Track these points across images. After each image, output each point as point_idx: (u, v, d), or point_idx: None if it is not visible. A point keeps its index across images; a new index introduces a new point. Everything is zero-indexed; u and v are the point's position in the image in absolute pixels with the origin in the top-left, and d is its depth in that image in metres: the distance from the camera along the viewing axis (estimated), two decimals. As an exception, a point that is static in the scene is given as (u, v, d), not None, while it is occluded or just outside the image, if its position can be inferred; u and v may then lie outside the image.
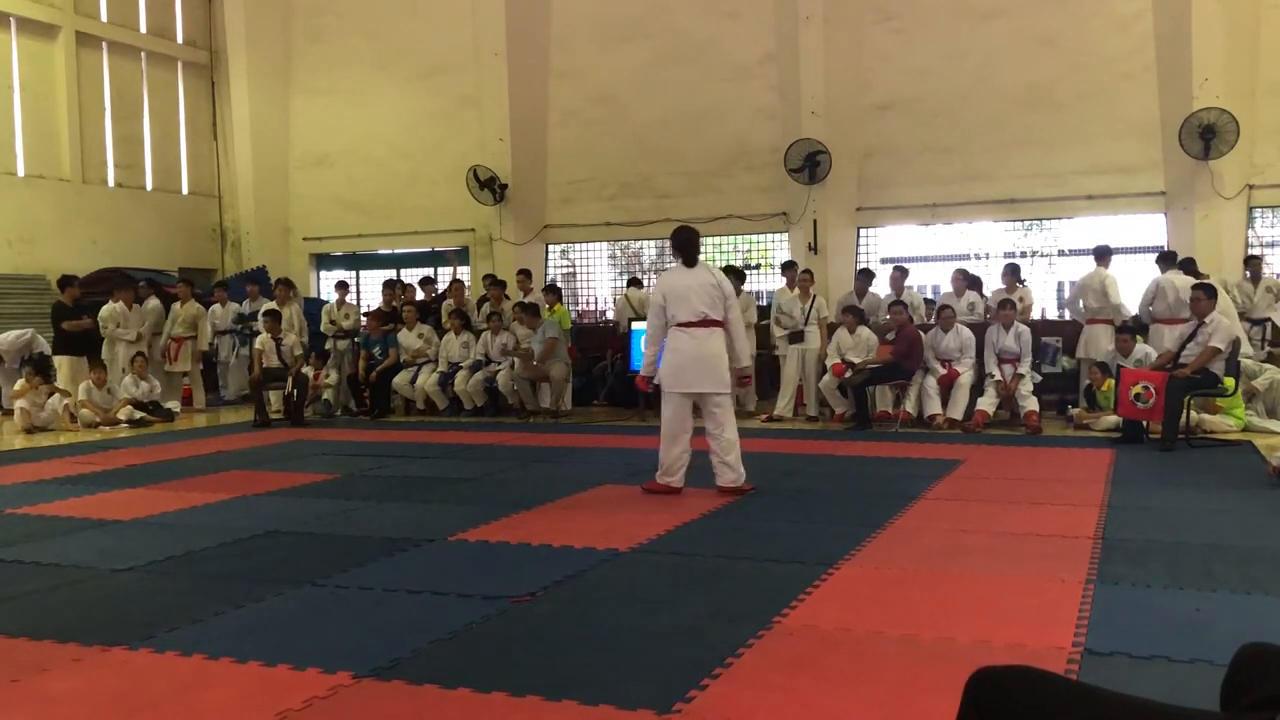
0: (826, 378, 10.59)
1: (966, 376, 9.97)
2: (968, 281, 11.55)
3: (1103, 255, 10.61)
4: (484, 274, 13.97)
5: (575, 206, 15.35)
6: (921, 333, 10.42)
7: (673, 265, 6.72)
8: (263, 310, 12.15)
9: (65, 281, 12.36)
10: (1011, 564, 4.58)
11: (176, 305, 13.17)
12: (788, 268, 11.70)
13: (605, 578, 4.53)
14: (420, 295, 13.77)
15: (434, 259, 16.93)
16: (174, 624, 3.85)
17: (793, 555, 4.79)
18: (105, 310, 12.21)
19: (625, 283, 14.39)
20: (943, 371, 9.98)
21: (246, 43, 16.72)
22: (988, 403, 9.83)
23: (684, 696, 3.02)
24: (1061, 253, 19.12)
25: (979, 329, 10.31)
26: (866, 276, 11.97)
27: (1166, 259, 10.29)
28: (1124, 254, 12.14)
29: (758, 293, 14.43)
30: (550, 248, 16.19)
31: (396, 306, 12.83)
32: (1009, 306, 10.01)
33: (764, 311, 12.30)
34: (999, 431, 9.60)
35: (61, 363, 12.10)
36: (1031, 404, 9.69)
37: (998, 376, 9.84)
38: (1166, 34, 12.45)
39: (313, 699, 3.08)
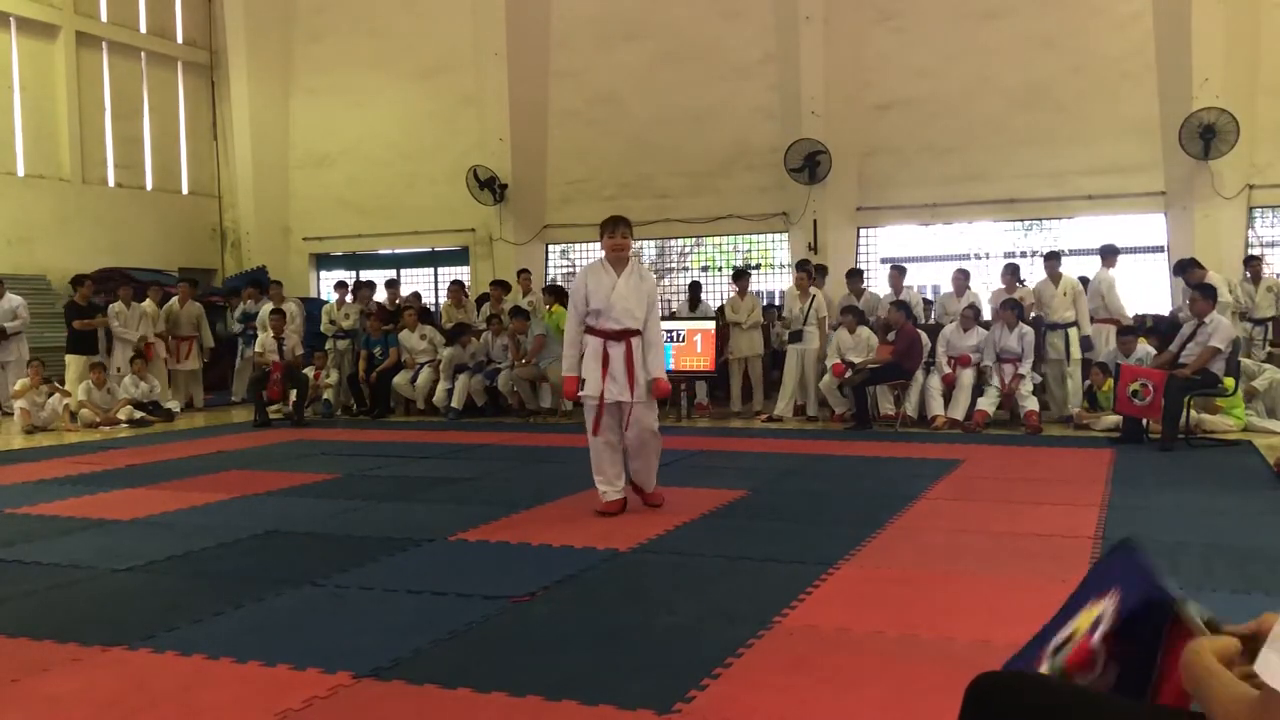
0: (826, 378, 10.59)
1: (967, 376, 9.97)
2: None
3: (1106, 255, 10.65)
4: (493, 278, 13.91)
5: (575, 206, 15.34)
6: (924, 333, 10.44)
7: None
8: (269, 310, 12.19)
9: (78, 281, 12.41)
10: (1011, 564, 4.58)
11: (174, 304, 13.25)
12: (801, 266, 11.57)
13: (605, 578, 4.53)
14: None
15: (434, 259, 16.95)
16: (174, 624, 3.85)
17: (793, 555, 4.79)
18: (113, 308, 12.34)
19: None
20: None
21: (246, 43, 16.72)
22: (988, 403, 9.83)
23: (684, 696, 3.02)
24: (1062, 253, 19.08)
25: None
26: (858, 276, 11.89)
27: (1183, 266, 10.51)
28: (1124, 254, 12.13)
29: (758, 292, 14.44)
30: (550, 248, 16.19)
31: (390, 309, 12.93)
32: (1012, 307, 10.00)
33: (767, 312, 12.35)
34: (999, 431, 9.60)
35: (71, 362, 12.13)
36: (1031, 404, 9.69)
37: (997, 377, 9.85)
38: (1166, 34, 12.44)
39: (313, 699, 3.08)
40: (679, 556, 4.88)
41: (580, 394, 6.00)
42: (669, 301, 16.13)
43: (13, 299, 12.44)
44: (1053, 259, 10.66)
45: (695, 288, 12.83)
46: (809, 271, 11.30)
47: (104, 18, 15.72)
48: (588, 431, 5.97)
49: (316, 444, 9.65)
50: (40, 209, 14.65)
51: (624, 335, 5.83)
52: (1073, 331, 10.22)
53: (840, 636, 3.60)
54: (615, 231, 5.87)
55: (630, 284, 5.86)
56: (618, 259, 5.89)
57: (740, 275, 11.89)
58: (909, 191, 13.69)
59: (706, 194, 14.57)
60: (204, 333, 13.58)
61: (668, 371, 11.48)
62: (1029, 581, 4.27)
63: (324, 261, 17.69)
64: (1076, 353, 10.18)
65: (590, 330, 5.92)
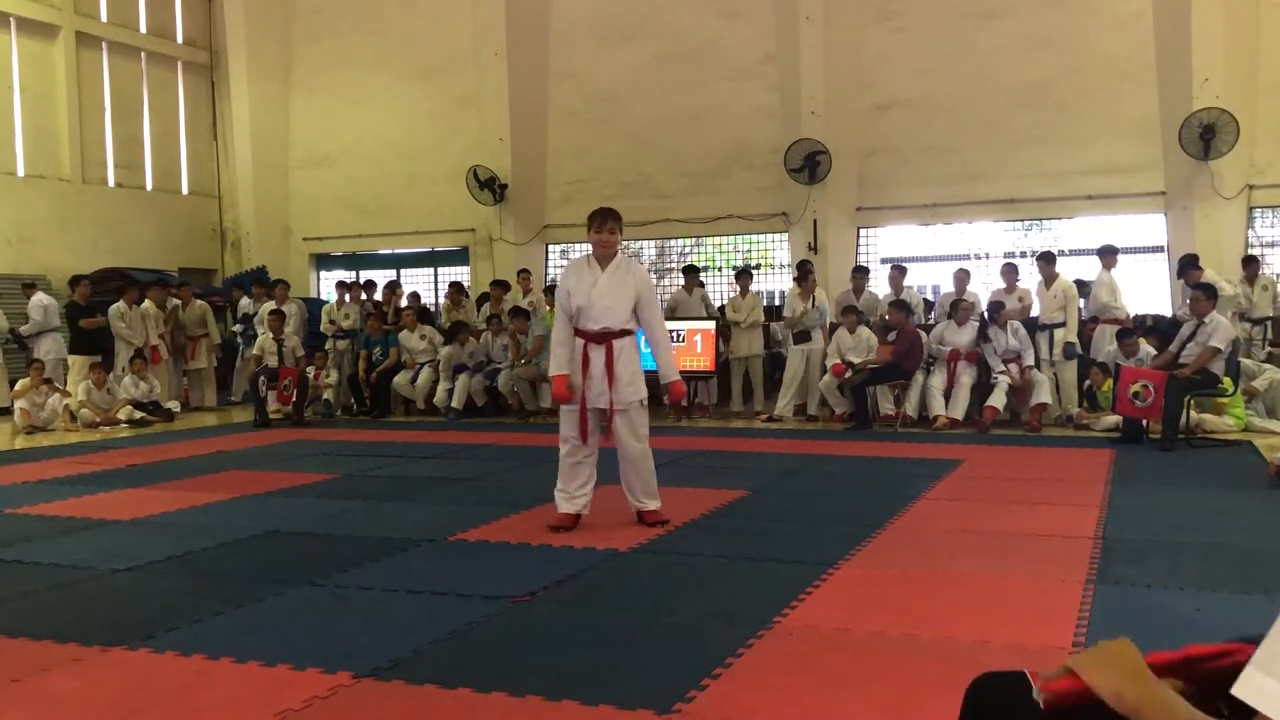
0: (826, 378, 10.59)
1: (967, 376, 9.97)
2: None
3: (1106, 255, 10.64)
4: (493, 278, 13.93)
5: (575, 206, 15.31)
6: (924, 333, 10.44)
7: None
8: (269, 310, 12.18)
9: (76, 281, 12.40)
10: (1011, 564, 4.58)
11: (178, 306, 13.30)
12: (802, 268, 11.58)
13: (605, 578, 4.53)
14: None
15: (434, 259, 16.94)
16: (174, 624, 3.85)
17: (793, 555, 4.79)
18: (114, 309, 12.31)
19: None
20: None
21: (246, 43, 16.71)
22: (998, 399, 9.80)
23: (684, 696, 3.02)
24: (1061, 253, 19.07)
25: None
26: (863, 273, 11.96)
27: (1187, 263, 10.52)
28: (1123, 253, 12.13)
29: (758, 292, 14.44)
30: (550, 248, 16.18)
31: (385, 310, 12.93)
32: (999, 309, 10.04)
33: (768, 312, 12.35)
34: (999, 431, 9.60)
35: (75, 362, 12.12)
36: (1044, 394, 9.66)
37: (1003, 375, 9.84)
38: (1166, 34, 12.44)
39: (313, 699, 3.08)
40: (679, 556, 4.88)
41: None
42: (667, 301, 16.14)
43: (41, 299, 12.44)
44: (1046, 260, 10.64)
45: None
46: (811, 272, 11.34)
47: (104, 18, 15.70)
48: (561, 436, 5.61)
49: (316, 444, 9.65)
50: (40, 209, 14.64)
51: (604, 337, 5.45)
52: (1058, 333, 10.21)
53: (840, 636, 3.60)
54: (603, 226, 5.46)
55: (614, 281, 5.46)
56: (603, 255, 5.49)
57: (742, 274, 11.91)
58: (909, 191, 13.68)
59: (706, 194, 14.56)
60: (211, 330, 13.61)
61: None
62: (1029, 581, 4.27)
63: (324, 261, 17.68)
64: (1060, 355, 10.18)
65: (575, 331, 5.55)
